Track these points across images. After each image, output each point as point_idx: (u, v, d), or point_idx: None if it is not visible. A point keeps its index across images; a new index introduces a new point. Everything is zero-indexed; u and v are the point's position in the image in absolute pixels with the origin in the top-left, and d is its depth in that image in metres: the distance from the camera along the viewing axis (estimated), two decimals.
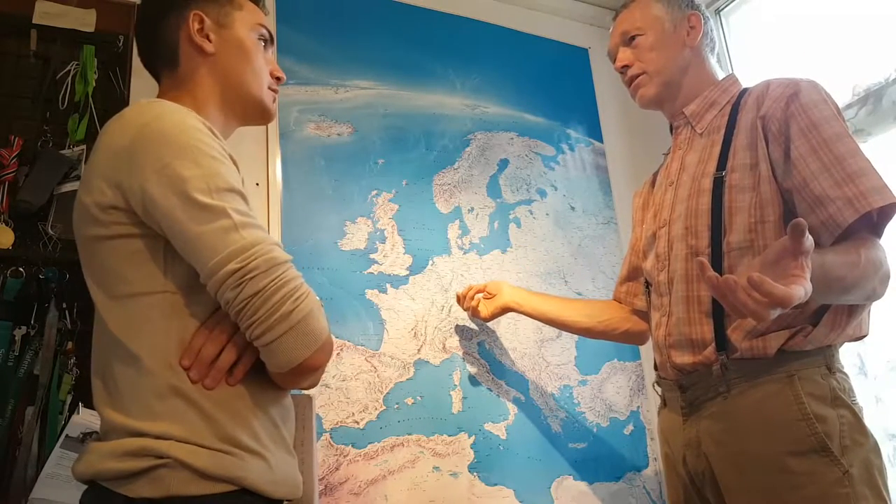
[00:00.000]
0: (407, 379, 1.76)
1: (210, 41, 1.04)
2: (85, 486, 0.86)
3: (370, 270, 1.81)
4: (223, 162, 0.88)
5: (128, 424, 0.83)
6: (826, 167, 1.08)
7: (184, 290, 0.87)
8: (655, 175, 1.45)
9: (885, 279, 1.07)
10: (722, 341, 1.12)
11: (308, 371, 0.87)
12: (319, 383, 1.62)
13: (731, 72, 2.20)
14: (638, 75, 1.34)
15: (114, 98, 1.68)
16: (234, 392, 0.87)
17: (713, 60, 1.37)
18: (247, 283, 0.81)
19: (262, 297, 0.81)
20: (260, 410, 0.89)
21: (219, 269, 0.81)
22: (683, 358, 1.17)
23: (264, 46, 1.10)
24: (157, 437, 0.81)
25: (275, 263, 0.83)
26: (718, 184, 1.18)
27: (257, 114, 1.09)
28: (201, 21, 1.04)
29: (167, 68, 1.05)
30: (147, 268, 0.87)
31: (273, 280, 0.82)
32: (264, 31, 1.10)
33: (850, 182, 1.06)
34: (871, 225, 1.06)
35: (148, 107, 0.91)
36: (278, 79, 1.12)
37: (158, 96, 1.05)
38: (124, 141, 0.88)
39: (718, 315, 1.13)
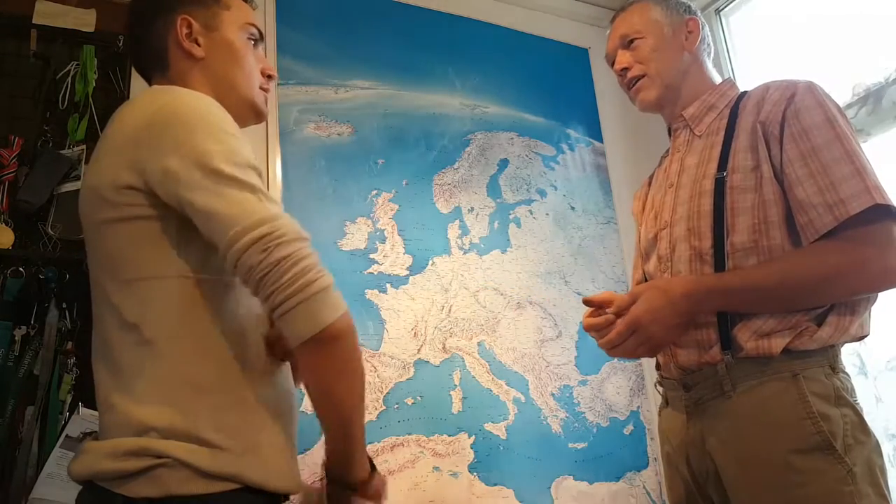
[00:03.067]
0: (407, 379, 1.76)
1: (199, 45, 1.03)
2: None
3: (370, 270, 1.81)
4: (240, 139, 0.89)
5: (131, 412, 0.82)
6: (812, 174, 1.10)
7: (197, 274, 0.87)
8: (651, 178, 1.45)
9: (840, 279, 1.07)
10: (727, 341, 1.12)
11: (332, 338, 0.83)
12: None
13: (730, 72, 2.22)
14: (638, 78, 1.34)
15: (114, 98, 1.68)
16: (241, 382, 0.87)
17: (710, 65, 1.38)
18: (274, 249, 0.80)
19: (289, 261, 0.80)
20: (265, 402, 0.88)
21: (245, 233, 0.80)
22: (689, 358, 1.17)
23: (254, 45, 1.09)
24: (157, 434, 0.81)
25: (300, 236, 0.83)
26: (720, 185, 1.18)
27: (249, 115, 1.09)
28: (189, 25, 1.02)
29: (157, 72, 1.05)
30: (159, 251, 0.86)
31: (299, 249, 0.82)
32: (253, 30, 1.09)
33: (832, 189, 1.07)
34: (868, 222, 1.06)
35: (161, 91, 0.92)
36: (270, 77, 1.11)
37: None
38: (140, 123, 0.88)
39: (723, 315, 1.14)
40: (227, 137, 0.86)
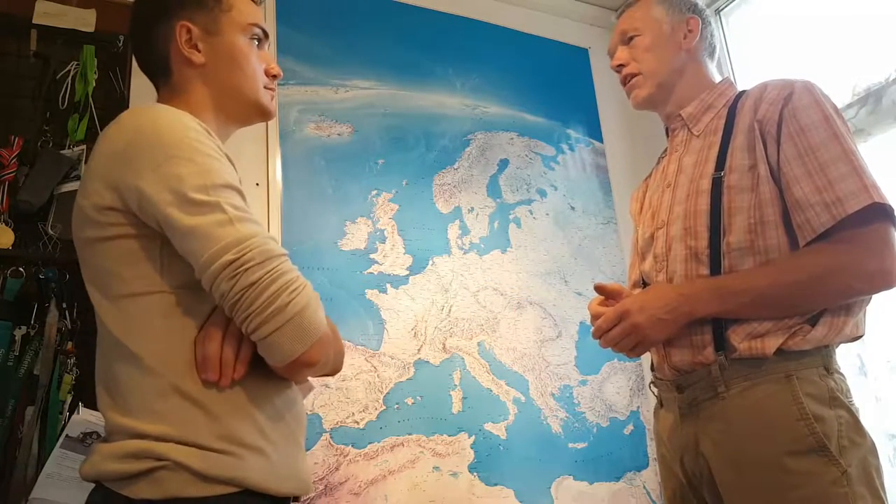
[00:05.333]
0: (407, 379, 1.76)
1: (199, 51, 1.02)
2: (91, 486, 0.87)
3: (370, 270, 1.81)
4: (218, 159, 0.88)
5: (129, 425, 0.83)
6: (809, 173, 1.10)
7: (182, 289, 0.87)
8: (648, 178, 1.45)
9: (835, 281, 1.07)
10: (721, 341, 1.12)
11: (305, 366, 0.85)
12: (319, 383, 1.63)
13: (730, 72, 2.22)
14: (633, 75, 1.34)
15: (114, 98, 1.68)
16: (235, 385, 0.86)
17: (712, 65, 1.38)
18: (241, 275, 0.80)
19: (256, 289, 0.80)
20: (263, 401, 0.88)
21: (213, 261, 0.80)
22: (682, 358, 1.17)
23: (259, 44, 1.08)
24: (158, 439, 0.81)
25: (270, 256, 0.82)
26: (717, 184, 1.18)
27: (256, 115, 1.08)
28: (189, 31, 1.02)
29: (161, 78, 1.05)
30: (143, 268, 0.87)
31: (268, 272, 0.81)
32: (257, 30, 1.07)
33: (829, 188, 1.07)
34: (865, 221, 1.06)
35: (143, 110, 0.92)
36: (275, 76, 1.10)
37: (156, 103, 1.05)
38: (120, 144, 0.88)
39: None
40: (203, 158, 0.86)
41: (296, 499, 0.92)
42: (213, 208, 0.82)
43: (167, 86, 1.04)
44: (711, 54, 1.38)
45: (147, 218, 0.85)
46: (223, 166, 0.88)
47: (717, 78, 1.36)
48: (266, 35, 1.10)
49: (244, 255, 0.80)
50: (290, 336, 0.81)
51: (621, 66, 1.36)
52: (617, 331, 1.16)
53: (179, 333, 0.86)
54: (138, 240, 0.87)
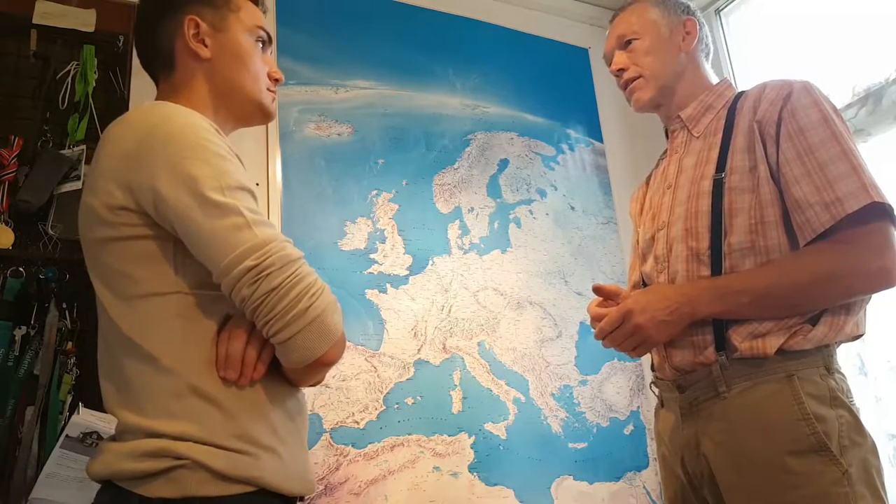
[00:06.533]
0: (407, 379, 1.76)
1: (206, 46, 1.03)
2: (94, 486, 0.87)
3: (370, 270, 1.81)
4: (231, 160, 0.89)
5: (144, 425, 0.83)
6: (808, 173, 1.10)
7: (197, 289, 0.87)
8: (648, 179, 1.45)
9: (837, 280, 1.07)
10: (722, 341, 1.12)
11: (323, 367, 0.88)
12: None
13: (729, 72, 2.22)
14: (633, 79, 1.35)
15: (114, 98, 1.68)
16: (252, 385, 0.87)
17: (708, 66, 1.38)
18: (262, 281, 0.81)
19: (278, 294, 0.81)
20: (277, 402, 0.89)
21: (234, 266, 0.81)
22: (683, 358, 1.17)
23: (262, 48, 1.09)
24: (175, 438, 0.81)
25: (289, 260, 0.83)
26: (718, 185, 1.18)
27: (257, 115, 1.09)
28: (197, 26, 1.03)
29: (164, 72, 1.05)
30: (158, 268, 0.87)
31: (288, 277, 0.82)
32: (262, 33, 1.09)
33: (828, 187, 1.07)
34: (865, 221, 1.06)
35: (152, 109, 0.92)
36: (277, 80, 1.11)
37: (156, 99, 1.05)
38: (131, 143, 0.88)
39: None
40: (217, 160, 0.86)
41: (301, 498, 0.93)
42: (231, 212, 0.83)
43: (168, 81, 1.04)
44: (708, 55, 1.39)
45: (162, 220, 0.85)
46: (236, 168, 0.88)
47: (714, 79, 1.37)
48: (270, 40, 1.12)
49: (264, 260, 0.81)
50: (311, 338, 0.83)
51: (621, 70, 1.36)
52: (620, 332, 1.16)
53: (196, 333, 0.86)
54: (151, 240, 0.87)
